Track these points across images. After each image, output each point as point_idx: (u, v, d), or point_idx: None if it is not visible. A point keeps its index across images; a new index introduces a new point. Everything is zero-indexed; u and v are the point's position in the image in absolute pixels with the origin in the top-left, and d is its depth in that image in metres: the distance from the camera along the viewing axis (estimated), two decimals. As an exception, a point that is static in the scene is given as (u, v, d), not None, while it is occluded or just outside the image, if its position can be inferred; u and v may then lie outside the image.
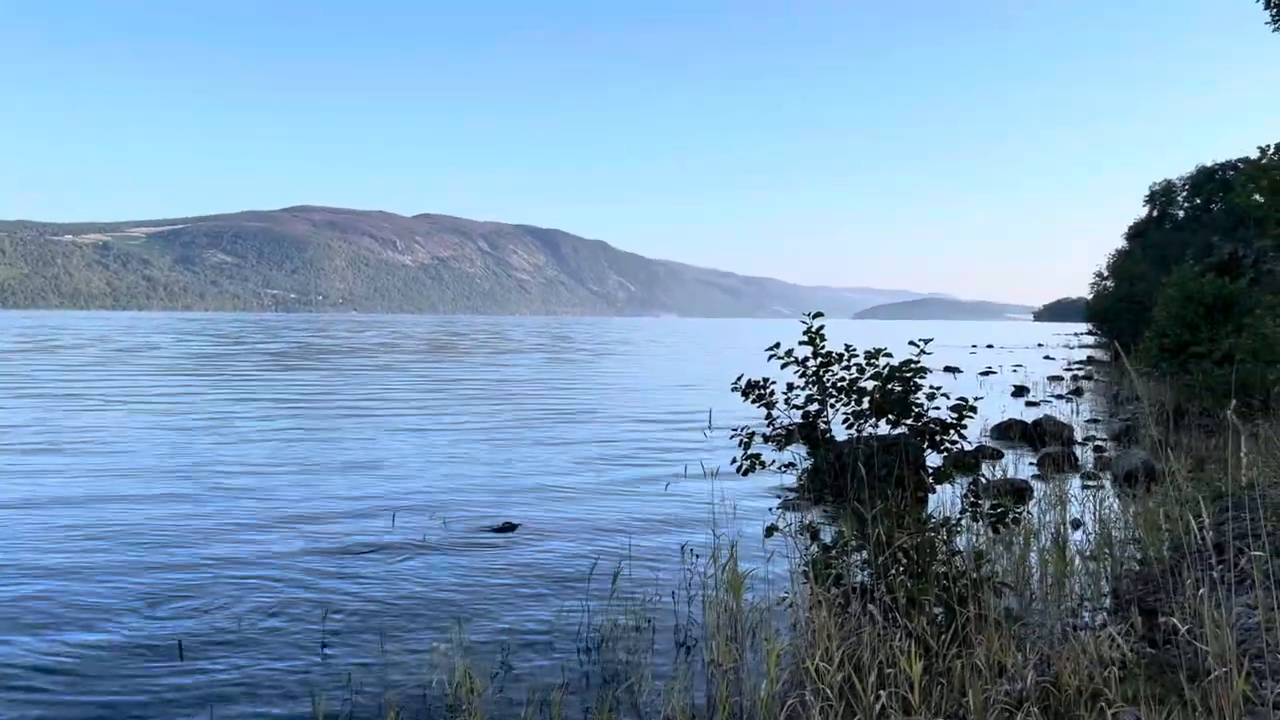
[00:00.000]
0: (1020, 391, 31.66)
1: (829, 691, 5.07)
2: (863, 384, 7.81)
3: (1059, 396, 30.13)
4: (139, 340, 76.19)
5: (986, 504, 7.56)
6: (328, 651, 7.17)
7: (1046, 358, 61.50)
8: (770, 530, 7.54)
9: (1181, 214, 67.10)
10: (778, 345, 7.94)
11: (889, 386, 7.66)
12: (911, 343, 7.81)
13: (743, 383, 8.01)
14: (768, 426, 7.81)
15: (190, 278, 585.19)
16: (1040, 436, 18.65)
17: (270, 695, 6.41)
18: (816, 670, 5.18)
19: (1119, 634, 5.40)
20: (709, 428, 18.65)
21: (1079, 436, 19.40)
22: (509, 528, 11.40)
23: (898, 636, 5.53)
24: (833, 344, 8.09)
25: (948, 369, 43.55)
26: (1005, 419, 20.21)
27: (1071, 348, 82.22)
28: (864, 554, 6.77)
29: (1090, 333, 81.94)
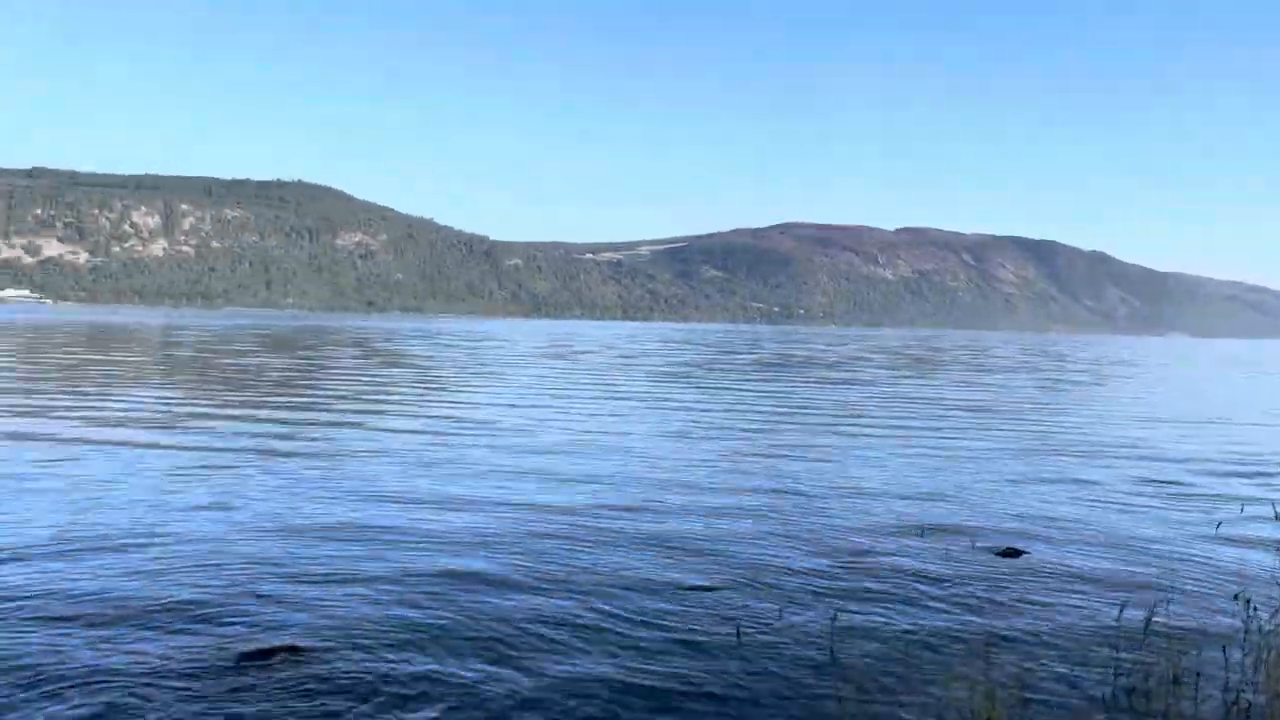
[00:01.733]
0: None
1: None
2: None
3: None
4: (638, 347, 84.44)
5: None
6: (838, 653, 7.44)
7: None
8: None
9: None
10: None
11: None
12: None
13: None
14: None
15: (687, 291, 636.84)
16: None
17: (782, 689, 6.82)
18: None
19: None
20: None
21: None
22: (1013, 553, 10.96)
23: None
24: None
25: None
26: None
27: None
28: None
29: None
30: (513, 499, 13.02)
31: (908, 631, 7.99)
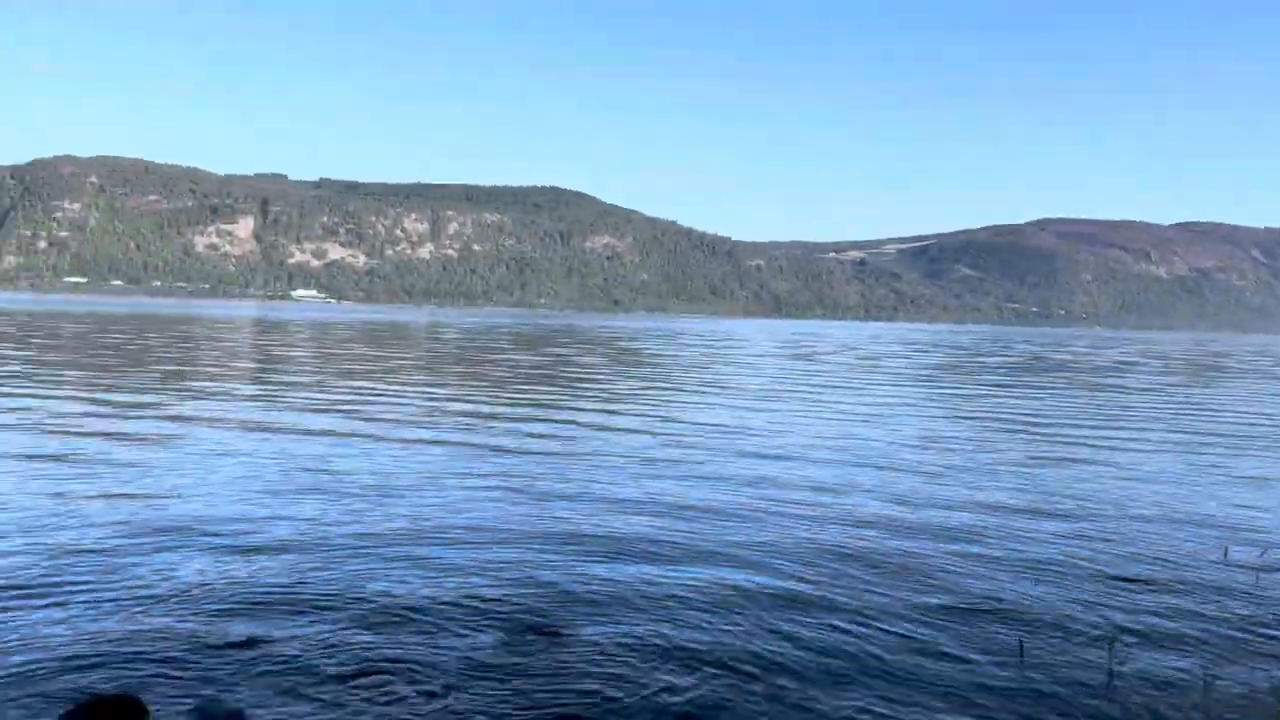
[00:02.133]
0: None
1: None
2: None
3: None
4: (882, 348, 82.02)
5: None
6: (1123, 703, 6.79)
7: None
8: None
9: None
10: None
11: None
12: None
13: None
14: None
15: (935, 291, 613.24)
16: None
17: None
18: None
19: None
20: None
21: None
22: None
23: None
24: None
25: None
26: None
27: None
28: None
29: None
30: (761, 506, 12.91)
31: (1205, 679, 7.19)
